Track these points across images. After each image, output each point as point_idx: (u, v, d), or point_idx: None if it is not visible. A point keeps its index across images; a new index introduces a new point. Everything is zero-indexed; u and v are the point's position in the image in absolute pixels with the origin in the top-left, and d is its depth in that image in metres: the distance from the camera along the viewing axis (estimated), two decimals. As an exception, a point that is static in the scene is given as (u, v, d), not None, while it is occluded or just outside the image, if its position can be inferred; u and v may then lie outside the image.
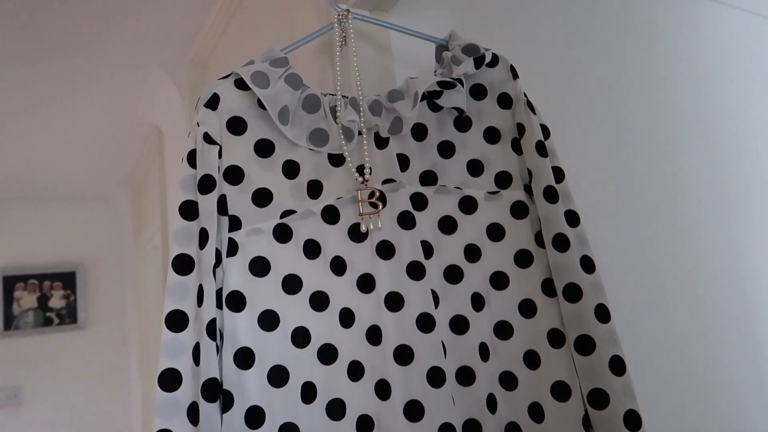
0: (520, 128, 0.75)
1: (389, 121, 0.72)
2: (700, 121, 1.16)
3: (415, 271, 0.67)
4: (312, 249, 0.67)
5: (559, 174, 0.74)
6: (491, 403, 0.67)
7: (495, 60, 0.77)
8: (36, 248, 2.80)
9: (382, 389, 0.64)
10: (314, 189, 0.69)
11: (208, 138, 0.66)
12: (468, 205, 0.73)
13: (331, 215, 0.68)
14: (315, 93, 0.70)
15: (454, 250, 0.71)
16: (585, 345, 0.67)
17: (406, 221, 0.69)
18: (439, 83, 0.72)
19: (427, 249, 0.70)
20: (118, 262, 2.94)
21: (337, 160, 0.70)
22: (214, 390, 0.59)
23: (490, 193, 0.73)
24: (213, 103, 0.67)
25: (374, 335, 0.66)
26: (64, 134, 2.10)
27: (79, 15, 1.35)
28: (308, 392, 0.63)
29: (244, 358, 0.61)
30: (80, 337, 2.81)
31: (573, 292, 0.68)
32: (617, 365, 0.67)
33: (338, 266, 0.67)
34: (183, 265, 0.63)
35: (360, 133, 0.71)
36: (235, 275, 0.63)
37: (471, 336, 0.68)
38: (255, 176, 0.67)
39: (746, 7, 1.32)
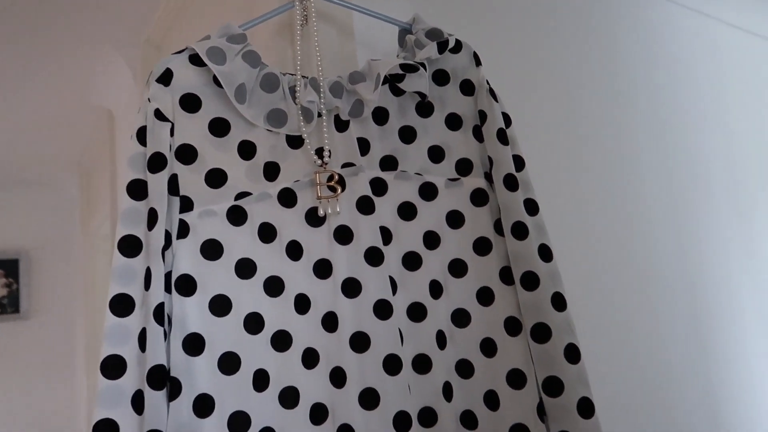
0: (482, 115, 0.74)
1: (350, 103, 0.71)
2: (654, 119, 1.19)
3: (374, 257, 0.66)
4: (267, 233, 0.65)
5: (519, 162, 0.74)
6: (447, 392, 0.67)
7: (458, 46, 0.76)
8: (-24, 234, 2.66)
9: (337, 377, 0.63)
10: (271, 171, 0.67)
11: (159, 114, 0.63)
12: (428, 191, 0.72)
13: (287, 198, 0.66)
14: (274, 72, 0.68)
15: (413, 237, 0.70)
16: (541, 333, 0.67)
17: (365, 206, 0.67)
18: (402, 66, 0.70)
19: (386, 235, 0.69)
20: (64, 250, 2.82)
21: (295, 141, 0.68)
22: (160, 377, 0.56)
23: (450, 180, 0.73)
24: (166, 78, 0.64)
25: (330, 322, 0.64)
26: (10, 116, 2.00)
27: (25, -13, 1.28)
28: (260, 380, 0.61)
29: (194, 345, 0.59)
30: (23, 327, 2.69)
31: (530, 281, 0.68)
32: (572, 353, 0.67)
33: (294, 251, 0.65)
34: (130, 246, 0.60)
35: (320, 115, 0.69)
36: (186, 258, 0.61)
37: (428, 324, 0.68)
38: (209, 156, 0.65)
39: (705, 10, 1.35)
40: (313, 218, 0.66)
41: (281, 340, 0.63)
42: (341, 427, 0.61)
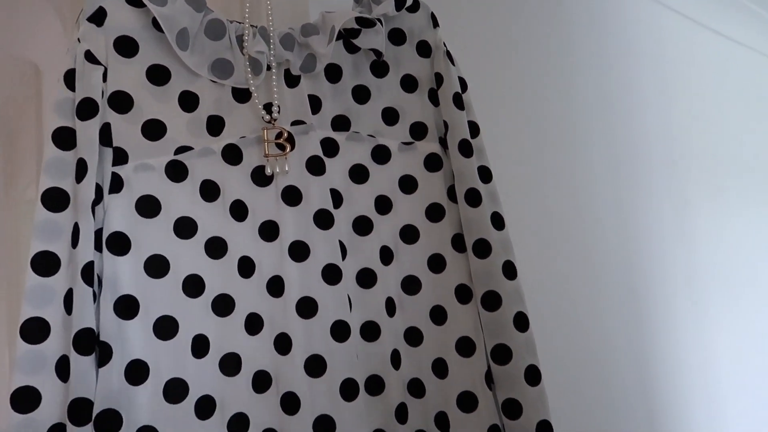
0: (438, 78, 0.72)
1: (302, 58, 0.67)
2: (602, 101, 1.20)
3: (323, 220, 0.63)
4: (210, 191, 0.61)
5: (474, 128, 0.72)
6: (395, 359, 0.65)
7: (416, 5, 0.73)
8: None
9: (282, 343, 0.60)
10: (215, 125, 0.62)
11: (90, 57, 0.57)
12: (381, 154, 0.69)
13: (232, 155, 0.62)
14: (220, 18, 0.63)
15: (365, 201, 0.68)
16: (492, 301, 0.66)
17: (315, 167, 0.64)
18: (358, 20, 0.67)
19: (337, 198, 0.66)
20: (-15, 217, 2.63)
21: (242, 95, 0.64)
22: (88, 342, 0.52)
23: (404, 143, 0.70)
24: (98, 17, 0.58)
25: (276, 286, 0.61)
26: None
27: None
28: (200, 346, 0.57)
29: (127, 307, 0.54)
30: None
31: (482, 248, 0.67)
32: (521, 321, 0.67)
33: (239, 211, 0.62)
34: (55, 200, 0.54)
35: (269, 68, 0.65)
36: (119, 215, 0.56)
37: (378, 290, 0.66)
38: (146, 106, 0.59)
39: (666, 2, 1.38)
40: (260, 177, 0.63)
41: (223, 305, 0.59)
42: (285, 395, 0.59)
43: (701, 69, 1.49)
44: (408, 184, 0.70)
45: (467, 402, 0.64)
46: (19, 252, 2.28)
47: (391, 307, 0.66)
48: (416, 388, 0.66)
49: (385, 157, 0.69)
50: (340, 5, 0.78)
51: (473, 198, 0.68)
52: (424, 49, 0.73)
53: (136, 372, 0.53)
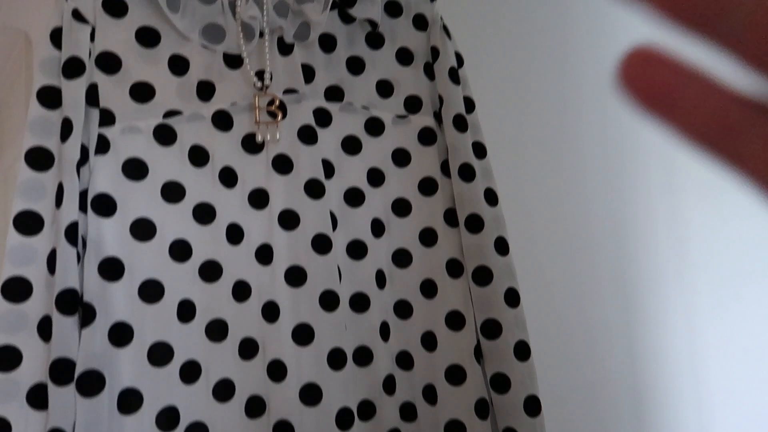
0: (434, 52, 0.71)
1: (295, 25, 0.65)
2: (599, 99, 1.19)
3: (314, 189, 0.62)
4: (198, 156, 0.60)
5: (470, 104, 0.71)
6: (384, 332, 0.65)
7: (413, -24, 0.72)
8: None
9: (270, 312, 0.59)
10: (205, 90, 0.61)
11: (78, 15, 0.56)
12: (374, 126, 0.68)
13: (222, 121, 0.61)
14: (212, -19, 0.62)
15: (357, 173, 0.67)
16: (483, 276, 0.66)
17: (307, 136, 0.63)
18: None
19: (328, 168, 0.65)
20: (-27, 190, 2.60)
21: (233, 61, 0.63)
22: (71, 302, 0.51)
23: (398, 116, 0.70)
24: (86, -25, 0.57)
25: (264, 254, 0.60)
26: None
27: None
28: (186, 311, 0.57)
29: (111, 269, 0.53)
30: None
31: (475, 223, 0.66)
32: (512, 297, 0.67)
33: (228, 178, 0.61)
34: (39, 159, 0.53)
35: (261, 35, 0.64)
36: (105, 176, 0.55)
37: (368, 262, 0.65)
38: (135, 67, 0.58)
39: None
40: (250, 145, 0.62)
41: (210, 271, 0.58)
42: (272, 363, 0.58)
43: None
44: (401, 158, 0.69)
45: (455, 375, 0.64)
46: (7, 227, 2.26)
47: (381, 279, 0.66)
48: (405, 360, 0.66)
49: (379, 130, 0.68)
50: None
51: (467, 173, 0.67)
52: (420, 22, 0.72)
53: (120, 334, 0.53)
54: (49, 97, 0.54)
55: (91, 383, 0.51)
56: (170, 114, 0.59)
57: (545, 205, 1.05)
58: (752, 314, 1.28)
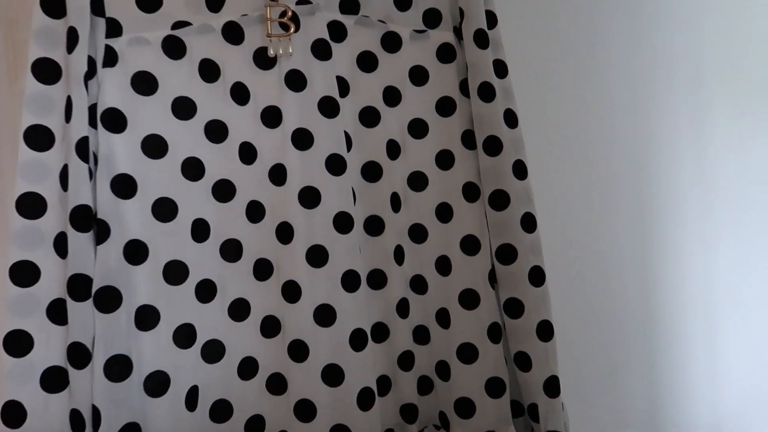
0: (456, -38, 0.66)
1: (308, -70, 0.61)
2: (626, 25, 1.13)
3: (328, 107, 0.60)
4: (209, 71, 0.58)
5: (492, 18, 0.67)
6: (398, 255, 0.65)
7: None
8: None
9: (284, 233, 0.59)
10: (214, 1, 0.58)
11: None
12: (391, 42, 0.65)
13: (233, 34, 0.58)
14: None
15: (373, 91, 0.64)
16: (500, 200, 0.64)
17: (320, 51, 0.60)
18: None
19: (343, 86, 0.62)
20: (-10, 111, 2.61)
21: (244, -31, 0.59)
22: (86, 219, 0.51)
23: (416, 31, 0.66)
24: None
25: (278, 174, 0.59)
26: None
27: None
28: (200, 230, 0.57)
29: (124, 187, 0.53)
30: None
31: (493, 145, 0.64)
32: (529, 222, 0.65)
33: (240, 94, 0.59)
34: (46, 71, 0.52)
35: (273, -61, 0.60)
36: (114, 90, 0.53)
37: (383, 185, 0.64)
38: None
39: None
40: (262, 59, 0.59)
41: (223, 190, 0.58)
42: (286, 284, 0.59)
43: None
44: (419, 75, 0.66)
45: (469, 299, 0.64)
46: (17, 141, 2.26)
47: (396, 202, 0.65)
48: (418, 284, 0.66)
49: (396, 45, 0.65)
50: None
51: (486, 92, 0.64)
52: (441, -73, 0.67)
53: (135, 252, 0.53)
54: (53, 6, 0.52)
55: (109, 299, 0.51)
56: (179, 25, 0.56)
57: (564, 128, 1.02)
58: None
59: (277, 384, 0.59)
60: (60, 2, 0.52)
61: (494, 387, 0.63)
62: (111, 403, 0.51)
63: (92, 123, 0.53)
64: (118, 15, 0.54)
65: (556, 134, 1.01)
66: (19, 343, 0.50)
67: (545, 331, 0.64)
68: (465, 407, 0.63)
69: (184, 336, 0.55)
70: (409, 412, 0.65)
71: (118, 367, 0.51)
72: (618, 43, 1.10)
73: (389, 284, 0.64)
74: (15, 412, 0.49)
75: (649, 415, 1.13)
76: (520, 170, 0.66)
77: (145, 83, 0.55)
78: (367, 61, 0.64)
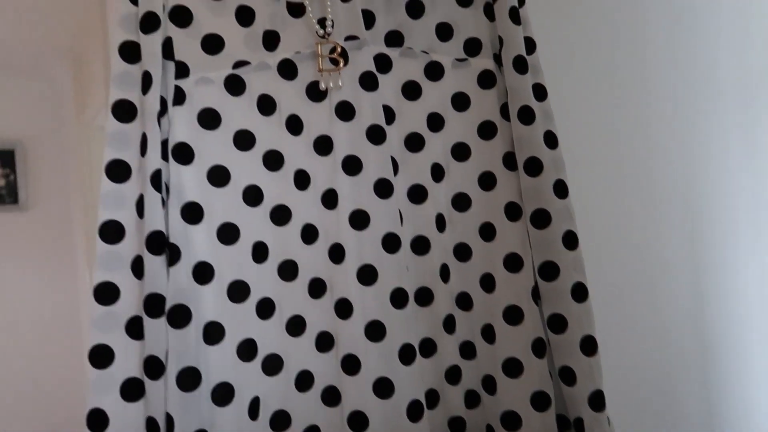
0: (495, -8, 0.70)
1: (355, -29, 0.66)
2: (673, 36, 1.13)
3: (375, 135, 0.64)
4: (266, 105, 0.63)
5: (530, 45, 0.70)
6: (444, 273, 0.68)
7: None
8: (-31, 124, 2.61)
9: (336, 253, 0.63)
10: (270, 40, 0.63)
11: (150, -28, 0.59)
12: (434, 71, 0.69)
13: (288, 70, 0.64)
14: (274, -70, 0.63)
15: (417, 118, 0.68)
16: (541, 219, 0.67)
17: (368, 82, 0.65)
18: None
19: (389, 114, 0.67)
20: (60, 141, 2.78)
21: (296, 10, 0.65)
22: (159, 243, 0.56)
23: (458, 60, 0.70)
24: (157, -68, 0.59)
25: (330, 199, 0.64)
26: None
27: None
28: (259, 252, 0.61)
29: (192, 213, 0.58)
30: (22, 218, 2.71)
31: (534, 166, 0.67)
32: (570, 240, 0.67)
33: (294, 125, 0.63)
34: (124, 111, 0.58)
35: (322, -18, 0.65)
36: (182, 126, 0.59)
37: (428, 206, 0.67)
38: (205, 20, 0.61)
39: None
40: (314, 92, 0.64)
41: (280, 214, 0.62)
42: (339, 301, 0.62)
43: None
44: (461, 102, 0.69)
45: (513, 315, 0.66)
46: (91, 172, 2.41)
47: (441, 223, 0.68)
48: (464, 301, 0.68)
49: (438, 74, 0.69)
50: None
51: (526, 115, 0.67)
52: (480, -39, 0.71)
53: (203, 272, 0.58)
54: (130, 52, 0.58)
55: (180, 316, 0.56)
56: (239, 64, 0.62)
57: (609, 139, 1.03)
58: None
59: (331, 396, 0.63)
60: (136, 49, 0.58)
61: (540, 401, 0.65)
62: (183, 411, 0.55)
63: (164, 156, 0.58)
64: (186, 58, 0.60)
65: (602, 150, 1.02)
66: (102, 357, 0.55)
67: (589, 345, 0.65)
68: (511, 420, 0.65)
69: (246, 350, 0.60)
70: (457, 425, 0.67)
71: (189, 378, 0.56)
72: (663, 59, 1.10)
73: (436, 301, 0.67)
74: (99, 419, 0.55)
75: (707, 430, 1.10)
76: (560, 189, 0.68)
77: (209, 118, 0.60)
78: (411, 90, 0.68)
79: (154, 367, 0.55)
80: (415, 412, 0.62)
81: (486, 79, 0.70)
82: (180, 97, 0.59)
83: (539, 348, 0.66)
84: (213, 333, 0.58)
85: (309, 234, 0.63)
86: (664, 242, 1.08)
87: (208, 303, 0.58)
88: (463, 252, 0.69)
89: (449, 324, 0.67)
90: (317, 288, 0.63)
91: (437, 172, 0.68)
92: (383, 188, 0.64)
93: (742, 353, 1.14)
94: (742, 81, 1.19)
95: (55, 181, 2.80)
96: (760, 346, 1.15)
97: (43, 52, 2.52)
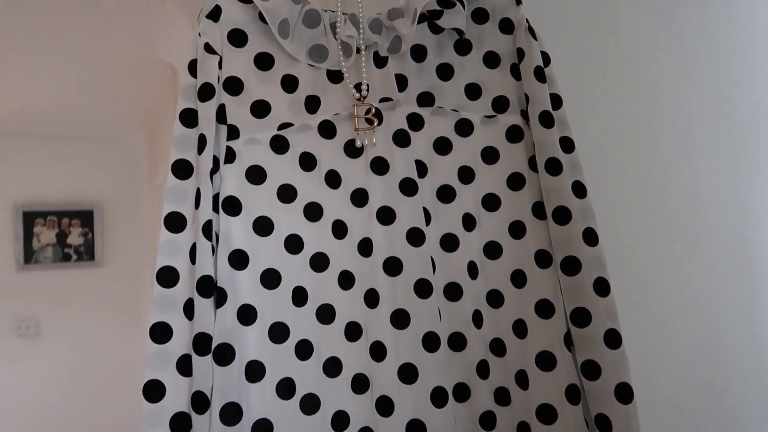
0: (520, 53, 0.75)
1: (389, 40, 0.73)
2: (714, 59, 1.14)
3: (408, 187, 0.69)
4: (308, 161, 0.69)
5: (556, 100, 0.74)
6: (477, 319, 0.70)
7: (499, -17, 0.76)
8: (54, 186, 2.86)
9: (371, 298, 0.67)
10: (312, 104, 0.70)
11: (208, 48, 0.67)
12: (464, 127, 0.73)
13: (327, 130, 0.70)
14: (315, 8, 0.71)
15: (448, 171, 0.72)
16: (571, 266, 0.68)
17: (401, 139, 0.70)
18: (439, 2, 0.72)
19: (421, 168, 0.71)
20: (134, 203, 2.99)
21: (335, 76, 0.71)
22: (208, 287, 0.62)
23: (486, 116, 0.74)
24: (215, 14, 0.68)
25: (365, 247, 0.68)
26: (78, 71, 2.12)
27: (93, -57, 1.35)
28: (299, 296, 0.66)
29: (238, 260, 0.64)
30: (97, 274, 2.90)
31: (562, 215, 0.69)
32: (602, 287, 0.68)
33: (333, 180, 0.69)
34: (182, 169, 0.65)
35: (359, 51, 0.72)
36: (232, 181, 0.65)
37: (460, 254, 0.70)
38: (254, 88, 0.69)
39: None
40: (351, 149, 0.70)
41: (319, 262, 0.67)
42: (374, 344, 0.65)
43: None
44: (490, 155, 0.73)
45: (546, 361, 0.67)
46: (161, 232, 2.56)
47: (473, 270, 0.71)
48: (497, 347, 0.70)
49: (468, 130, 0.73)
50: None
51: (553, 167, 0.70)
52: (506, 26, 0.76)
53: (246, 314, 0.63)
54: (188, 118, 0.66)
55: (225, 354, 0.61)
56: (283, 126, 0.68)
57: (656, 189, 1.03)
58: None
59: (366, 437, 0.65)
60: (193, 116, 0.66)
61: (575, 448, 0.64)
62: None
63: (215, 208, 0.65)
64: (237, 122, 0.67)
65: (653, 198, 1.02)
66: (155, 392, 0.60)
67: (624, 393, 0.65)
68: (546, 468, 0.65)
69: (285, 389, 0.63)
70: None
71: (231, 413, 0.60)
72: (710, 104, 1.10)
73: (469, 346, 0.68)
74: None
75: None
76: (590, 237, 0.69)
77: (256, 174, 0.66)
78: (442, 145, 0.73)
79: (200, 402, 0.59)
80: None
81: (514, 134, 0.73)
82: (231, 156, 0.66)
83: (573, 394, 0.66)
84: (255, 371, 0.62)
85: (346, 280, 0.67)
86: (719, 294, 1.05)
87: (251, 343, 0.62)
88: (495, 298, 0.71)
89: (483, 369, 0.69)
90: (353, 331, 0.66)
91: (468, 222, 0.72)
92: (415, 237, 0.67)
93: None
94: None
95: (128, 240, 3.00)
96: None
97: (121, 122, 2.76)
